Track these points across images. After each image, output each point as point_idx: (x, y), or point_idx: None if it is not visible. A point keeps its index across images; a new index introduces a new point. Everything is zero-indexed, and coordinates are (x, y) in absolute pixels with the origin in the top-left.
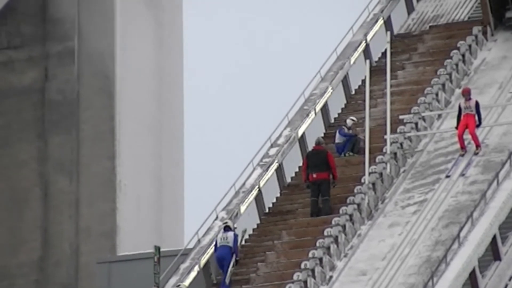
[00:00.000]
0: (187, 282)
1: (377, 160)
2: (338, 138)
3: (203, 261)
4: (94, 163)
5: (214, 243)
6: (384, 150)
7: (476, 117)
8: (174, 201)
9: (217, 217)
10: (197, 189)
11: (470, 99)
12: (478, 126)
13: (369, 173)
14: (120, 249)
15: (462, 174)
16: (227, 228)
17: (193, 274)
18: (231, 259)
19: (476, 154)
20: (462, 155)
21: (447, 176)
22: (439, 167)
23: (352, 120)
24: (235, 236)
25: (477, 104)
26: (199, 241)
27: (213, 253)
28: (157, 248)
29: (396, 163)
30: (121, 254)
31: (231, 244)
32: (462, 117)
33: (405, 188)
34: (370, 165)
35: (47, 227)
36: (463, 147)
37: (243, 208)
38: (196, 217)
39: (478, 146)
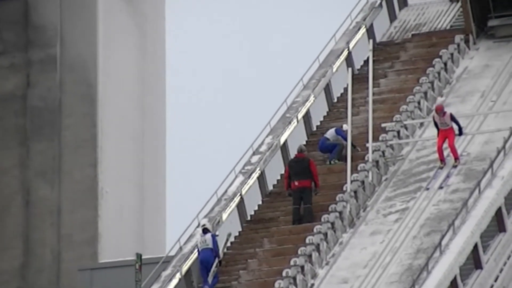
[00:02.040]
0: None
1: (359, 168)
2: (331, 136)
3: (184, 268)
4: (76, 170)
5: (196, 248)
6: (366, 158)
7: (456, 127)
8: (156, 208)
9: (199, 225)
10: (179, 197)
11: (444, 114)
12: (460, 134)
13: (351, 181)
14: (102, 257)
15: (441, 187)
16: (205, 231)
17: (174, 281)
18: (214, 260)
19: (455, 166)
20: (441, 168)
21: (427, 189)
22: (421, 175)
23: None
24: (213, 237)
25: (451, 116)
26: (181, 248)
27: (196, 259)
28: (139, 256)
29: (378, 171)
30: (103, 261)
31: (211, 245)
32: (439, 132)
33: (387, 196)
34: (352, 173)
35: (29, 234)
36: (442, 160)
37: (225, 215)
38: (178, 225)
39: (456, 158)
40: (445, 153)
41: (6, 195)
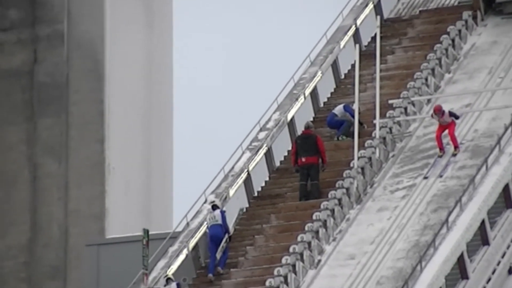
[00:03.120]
0: (175, 265)
1: (366, 145)
2: (339, 113)
3: (191, 244)
4: (83, 146)
5: (205, 225)
6: (373, 135)
7: (454, 119)
8: (163, 184)
9: (206, 201)
10: (186, 173)
11: (443, 114)
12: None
13: (358, 158)
14: (109, 232)
15: (440, 176)
16: (214, 207)
17: (181, 257)
18: (224, 236)
19: (454, 155)
20: (440, 156)
21: (425, 178)
22: (428, 152)
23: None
24: (222, 213)
25: (450, 113)
26: (188, 224)
27: (204, 235)
28: (146, 231)
29: (385, 148)
30: (110, 236)
31: (220, 221)
32: (440, 125)
33: (394, 172)
34: (359, 149)
35: (36, 210)
36: (441, 148)
37: (232, 191)
38: (185, 200)
39: (456, 147)
40: (444, 142)
41: (13, 171)
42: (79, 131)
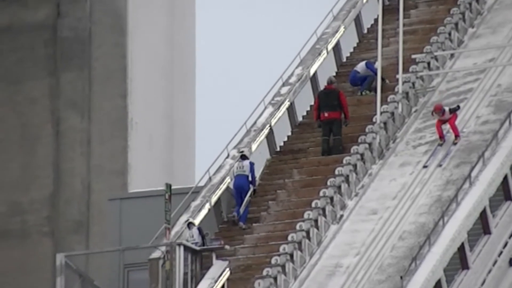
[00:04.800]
0: (198, 219)
1: (389, 100)
2: (361, 69)
3: (214, 198)
4: (105, 101)
5: (227, 180)
6: (396, 90)
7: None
8: (185, 139)
9: (228, 155)
10: (208, 127)
11: (443, 113)
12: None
13: (381, 113)
14: (131, 187)
15: (439, 165)
16: (243, 157)
17: (204, 211)
18: (249, 188)
19: (455, 144)
20: (441, 145)
21: (425, 166)
22: (451, 107)
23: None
24: (251, 164)
25: (450, 110)
26: (210, 179)
27: (226, 190)
28: (168, 186)
29: (408, 103)
30: (133, 191)
31: (247, 172)
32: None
33: (417, 127)
34: (382, 104)
35: (59, 164)
36: (441, 137)
37: (254, 146)
38: (207, 155)
39: (457, 136)
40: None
41: (36, 125)
42: (102, 85)
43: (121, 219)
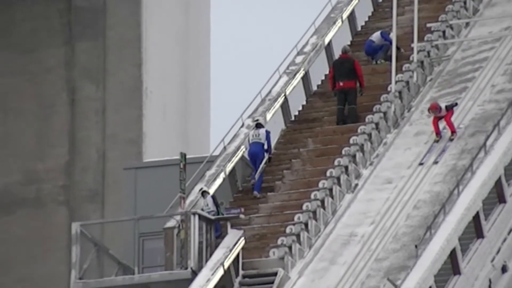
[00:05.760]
0: (212, 188)
1: (404, 69)
2: (377, 39)
3: (228, 168)
4: (120, 70)
5: (242, 149)
6: (411, 59)
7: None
8: (200, 108)
9: (243, 125)
10: (223, 97)
11: (440, 111)
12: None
13: (396, 82)
14: (146, 156)
15: (435, 162)
16: (258, 125)
17: (219, 180)
18: (264, 156)
19: (451, 140)
20: (437, 141)
21: (421, 164)
22: (466, 76)
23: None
24: (267, 132)
25: (446, 107)
26: (225, 148)
27: (241, 160)
28: (183, 155)
29: (423, 72)
30: (147, 160)
31: (263, 140)
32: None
33: (432, 96)
34: (396, 73)
35: (74, 133)
36: (438, 133)
37: (269, 115)
38: (222, 124)
39: (453, 132)
40: (441, 126)
41: (51, 94)
42: (117, 55)
43: (136, 188)
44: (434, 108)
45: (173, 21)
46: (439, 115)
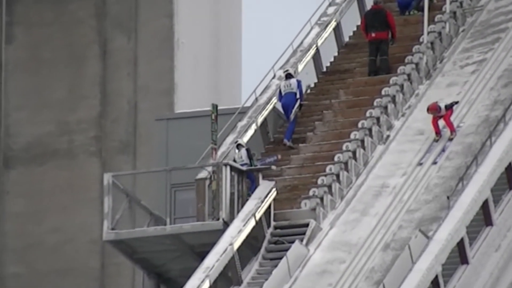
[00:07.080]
0: (244, 139)
1: (436, 19)
2: None
3: (260, 119)
4: (152, 21)
5: (274, 100)
6: (443, 9)
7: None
8: (231, 59)
9: (274, 76)
10: (254, 48)
11: (439, 111)
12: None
13: (428, 32)
14: (178, 107)
15: (434, 162)
16: (288, 76)
17: (250, 132)
18: (296, 103)
19: (451, 139)
20: (437, 141)
21: (420, 164)
22: (499, 26)
23: None
24: (299, 82)
25: (445, 106)
26: (256, 99)
27: (273, 111)
28: (215, 106)
29: (455, 22)
30: (179, 111)
31: (295, 90)
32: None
33: (464, 47)
34: (429, 24)
35: (106, 84)
36: (437, 132)
37: (300, 67)
38: (254, 76)
39: (453, 131)
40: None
41: (83, 45)
42: (148, 5)
43: (168, 139)
44: (433, 109)
45: None
46: (439, 115)
